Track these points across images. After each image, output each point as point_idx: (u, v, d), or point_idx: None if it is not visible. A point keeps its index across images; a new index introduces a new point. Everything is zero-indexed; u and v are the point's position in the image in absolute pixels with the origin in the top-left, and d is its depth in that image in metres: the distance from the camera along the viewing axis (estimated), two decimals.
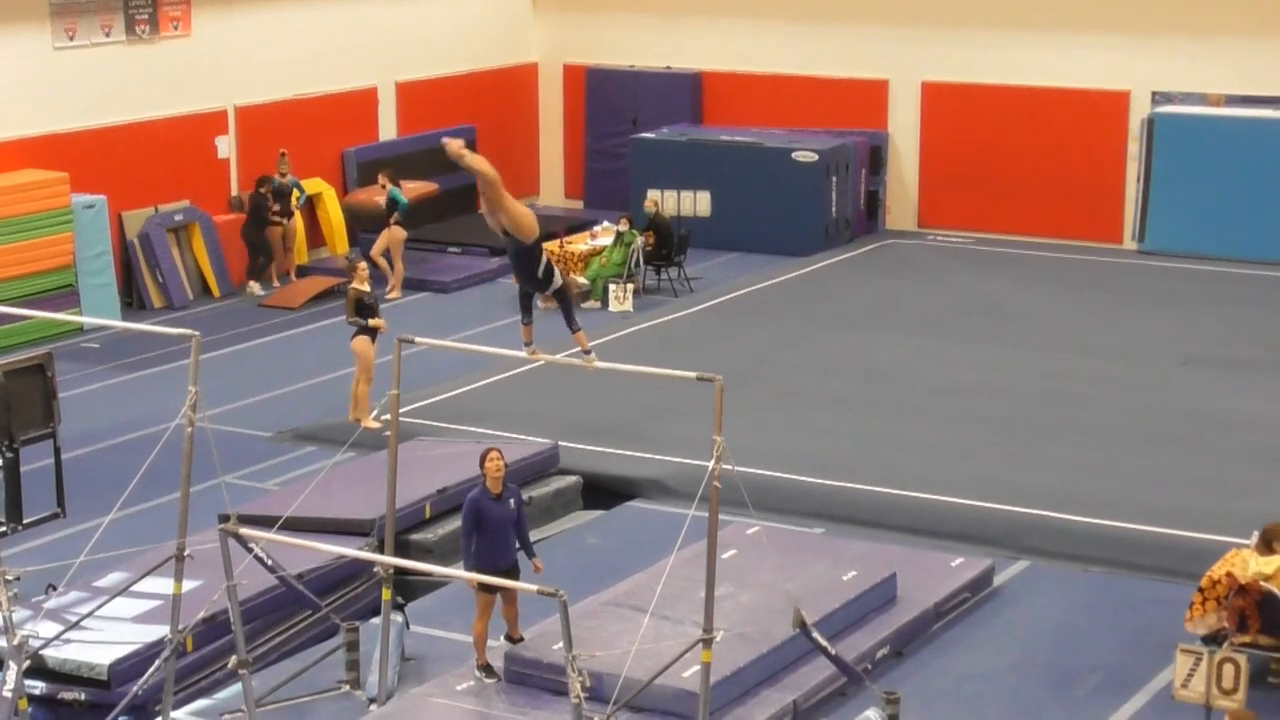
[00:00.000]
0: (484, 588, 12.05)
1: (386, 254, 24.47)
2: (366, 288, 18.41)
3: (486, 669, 12.37)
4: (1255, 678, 11.93)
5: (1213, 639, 12.42)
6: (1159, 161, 26.70)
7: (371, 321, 18.26)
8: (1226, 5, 26.37)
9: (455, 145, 11.44)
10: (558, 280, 11.68)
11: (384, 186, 24.59)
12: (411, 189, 26.14)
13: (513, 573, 12.22)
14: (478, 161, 11.44)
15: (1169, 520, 15.65)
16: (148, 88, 24.40)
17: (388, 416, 12.56)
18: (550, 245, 24.48)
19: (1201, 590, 12.70)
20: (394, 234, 24.41)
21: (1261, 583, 12.24)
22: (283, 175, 25.09)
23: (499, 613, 12.42)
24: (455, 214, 28.35)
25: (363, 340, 18.31)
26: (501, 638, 12.60)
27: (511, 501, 12.36)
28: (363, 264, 18.67)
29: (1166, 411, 18.96)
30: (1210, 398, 19.45)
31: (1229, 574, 12.53)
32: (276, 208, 24.94)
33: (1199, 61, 26.57)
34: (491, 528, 12.22)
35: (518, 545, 12.50)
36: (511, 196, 11.53)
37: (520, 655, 12.36)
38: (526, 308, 11.89)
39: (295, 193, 25.29)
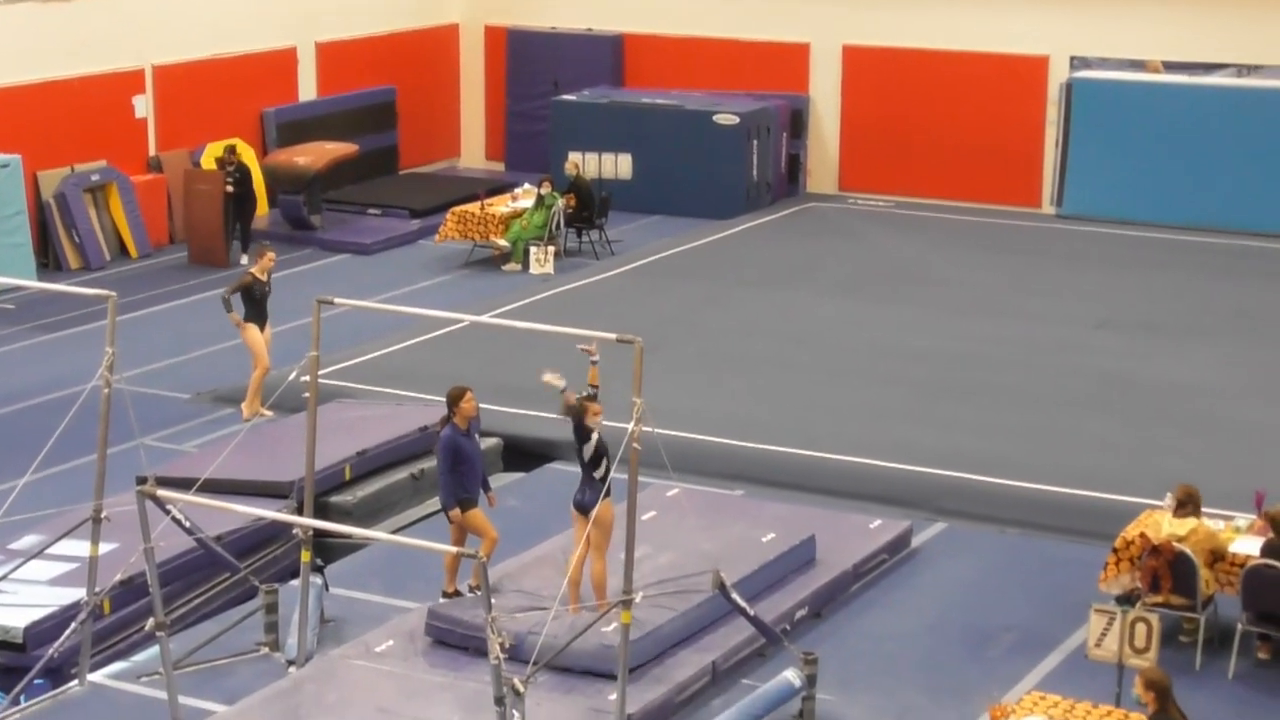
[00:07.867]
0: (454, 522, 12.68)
1: None
2: (265, 278, 17.48)
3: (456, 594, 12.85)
4: (1167, 637, 12.12)
5: (1126, 599, 12.57)
6: (1077, 126, 26.90)
7: (231, 316, 17.30)
8: None
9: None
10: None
11: None
12: (331, 150, 25.97)
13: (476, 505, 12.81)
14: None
15: (1084, 482, 15.79)
16: (64, 46, 24.09)
17: (306, 378, 12.50)
18: (470, 207, 24.44)
19: (1115, 551, 12.87)
20: None
21: (1174, 544, 12.39)
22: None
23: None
24: (375, 175, 28.25)
25: (251, 327, 17.46)
26: (466, 586, 12.82)
27: (476, 436, 13.02)
28: (272, 254, 17.76)
29: (1082, 374, 19.12)
30: (1126, 361, 19.64)
31: (1142, 535, 12.69)
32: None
33: (1118, 27, 26.75)
34: (466, 461, 12.74)
35: None
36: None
37: (441, 613, 12.38)
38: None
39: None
